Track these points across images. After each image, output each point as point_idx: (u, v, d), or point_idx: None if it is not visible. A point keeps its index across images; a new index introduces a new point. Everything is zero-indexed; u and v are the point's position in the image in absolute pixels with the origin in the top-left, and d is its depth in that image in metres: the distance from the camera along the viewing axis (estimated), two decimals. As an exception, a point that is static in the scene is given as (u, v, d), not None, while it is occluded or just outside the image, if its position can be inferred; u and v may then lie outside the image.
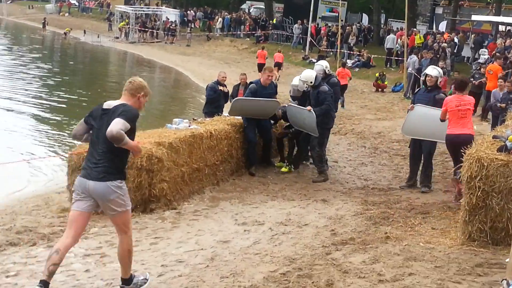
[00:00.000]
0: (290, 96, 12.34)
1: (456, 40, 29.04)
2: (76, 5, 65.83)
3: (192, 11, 50.40)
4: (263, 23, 42.07)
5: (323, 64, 12.01)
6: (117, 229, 5.56)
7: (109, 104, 5.51)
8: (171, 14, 49.04)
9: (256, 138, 11.21)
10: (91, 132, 5.48)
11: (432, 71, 10.05)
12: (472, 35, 30.56)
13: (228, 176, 10.64)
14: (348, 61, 30.91)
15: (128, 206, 5.43)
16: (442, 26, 39.80)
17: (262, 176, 10.93)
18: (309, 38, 33.97)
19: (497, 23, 32.80)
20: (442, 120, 9.12)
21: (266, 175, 11.03)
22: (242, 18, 44.65)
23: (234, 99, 11.61)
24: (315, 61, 30.20)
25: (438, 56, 23.74)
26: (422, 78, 16.54)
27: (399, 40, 29.84)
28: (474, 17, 34.49)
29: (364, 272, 5.82)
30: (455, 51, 27.81)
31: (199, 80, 28.67)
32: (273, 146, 11.86)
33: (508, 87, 14.05)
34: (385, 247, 6.59)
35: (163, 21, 47.73)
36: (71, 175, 8.92)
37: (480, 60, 22.54)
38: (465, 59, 29.97)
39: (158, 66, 36.21)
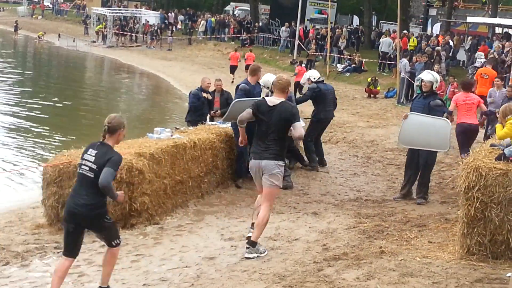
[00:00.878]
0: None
1: (451, 43, 29.29)
2: (50, 7, 65.61)
3: (173, 14, 50.44)
4: (248, 25, 42.18)
5: (308, 74, 13.06)
6: (264, 199, 7.26)
7: (271, 100, 7.29)
8: (151, 17, 49.00)
9: (247, 149, 11.08)
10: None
11: (427, 76, 10.11)
12: (468, 38, 30.80)
13: (213, 188, 10.63)
14: (338, 65, 31.06)
15: (280, 185, 7.44)
16: (436, 29, 40.10)
17: (249, 188, 10.92)
18: (297, 42, 34.09)
19: (494, 25, 33.12)
20: (450, 112, 10.54)
21: (253, 187, 11.00)
22: (226, 21, 44.75)
23: (233, 101, 11.29)
24: (304, 65, 30.43)
25: (432, 60, 23.92)
26: (416, 84, 16.70)
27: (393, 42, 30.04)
28: (470, 19, 34.78)
29: (358, 289, 5.84)
30: (450, 54, 28.04)
31: (182, 86, 28.67)
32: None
33: (508, 92, 14.19)
34: (380, 262, 6.61)
35: (143, 24, 47.69)
36: (46, 189, 8.89)
37: (477, 64, 22.74)
38: (461, 62, 30.23)
39: (138, 72, 36.18)
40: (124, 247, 7.73)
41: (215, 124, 11.63)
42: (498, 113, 13.37)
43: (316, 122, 12.64)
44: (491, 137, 9.42)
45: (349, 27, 41.23)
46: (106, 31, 46.68)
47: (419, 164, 10.07)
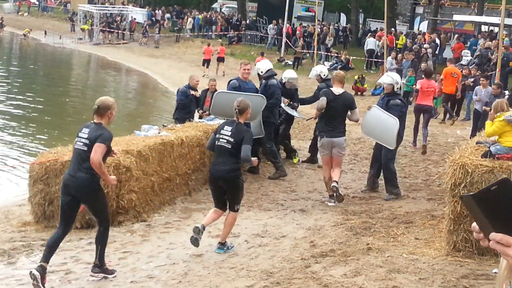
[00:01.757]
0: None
1: (437, 41, 29.43)
2: (36, 4, 65.16)
3: (160, 11, 50.28)
4: (236, 23, 42.13)
5: (318, 69, 12.81)
6: (335, 165, 9.62)
7: (336, 91, 9.60)
8: (138, 14, 48.83)
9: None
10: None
11: (386, 79, 10.55)
12: (455, 36, 30.96)
13: (200, 185, 10.62)
14: (326, 63, 31.10)
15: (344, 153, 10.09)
16: (423, 27, 40.27)
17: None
18: (284, 39, 34.11)
19: (480, 23, 33.31)
20: (417, 91, 13.65)
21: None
22: (213, 18, 44.66)
23: (216, 93, 11.36)
24: (291, 63, 30.48)
25: (419, 57, 24.03)
26: (402, 81, 16.84)
27: (377, 41, 30.13)
28: (456, 17, 34.97)
29: (346, 286, 5.86)
30: (436, 52, 28.17)
31: (169, 84, 28.60)
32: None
33: (494, 90, 14.29)
34: (367, 259, 6.64)
35: (130, 21, 47.49)
36: (32, 186, 8.84)
37: (463, 62, 22.86)
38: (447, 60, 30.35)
39: (125, 69, 36.04)
40: (111, 244, 7.71)
41: (203, 121, 11.62)
42: (485, 111, 13.53)
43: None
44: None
45: (336, 25, 41.27)
46: (93, 28, 46.44)
47: (382, 160, 10.30)
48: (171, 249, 7.55)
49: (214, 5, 56.98)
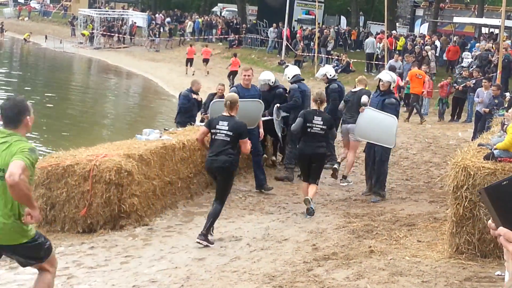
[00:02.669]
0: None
1: (437, 43, 29.43)
2: (36, 8, 65.23)
3: (161, 15, 50.33)
4: (236, 26, 42.14)
5: (325, 69, 12.93)
6: (351, 149, 11.20)
7: (355, 88, 11.54)
8: (138, 18, 48.88)
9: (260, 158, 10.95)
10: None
11: (385, 76, 10.52)
12: (454, 38, 30.97)
13: (202, 189, 10.61)
14: (326, 66, 31.08)
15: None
16: (423, 29, 40.27)
17: (238, 188, 10.92)
18: (284, 42, 34.12)
19: (480, 25, 33.32)
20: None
21: (242, 188, 11.02)
22: (214, 22, 44.68)
23: (212, 102, 11.37)
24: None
25: (419, 59, 24.04)
26: (402, 83, 16.83)
27: (379, 43, 30.14)
28: (456, 19, 34.99)
29: (348, 289, 5.85)
30: (436, 54, 28.18)
31: (170, 87, 28.61)
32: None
33: (493, 91, 14.29)
34: (369, 262, 6.62)
35: (130, 25, 47.55)
36: (34, 191, 8.81)
37: (464, 64, 22.86)
38: (447, 62, 30.35)
39: (126, 73, 36.06)
40: (113, 249, 7.71)
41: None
42: (485, 112, 13.51)
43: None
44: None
45: (335, 27, 41.30)
46: (93, 32, 46.48)
47: (376, 159, 10.31)
48: (173, 253, 7.54)
49: (214, 9, 57.03)
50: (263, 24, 40.72)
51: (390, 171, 11.64)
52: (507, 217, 1.74)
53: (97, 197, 8.42)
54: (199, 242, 7.70)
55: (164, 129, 11.42)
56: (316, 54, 29.76)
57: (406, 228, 8.18)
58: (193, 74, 29.60)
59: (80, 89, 30.33)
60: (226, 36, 41.62)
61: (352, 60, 29.96)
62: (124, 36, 46.50)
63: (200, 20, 45.28)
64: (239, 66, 27.79)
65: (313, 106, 9.65)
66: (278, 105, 11.43)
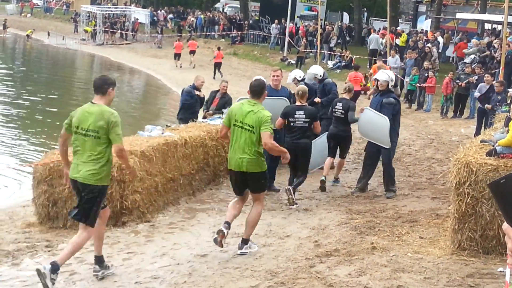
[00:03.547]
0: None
1: (440, 39, 29.36)
2: (39, 5, 65.26)
3: (163, 11, 50.30)
4: (239, 22, 42.09)
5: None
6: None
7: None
8: (140, 14, 48.87)
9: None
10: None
11: (382, 76, 10.45)
12: (458, 34, 30.94)
13: (204, 185, 10.61)
14: (329, 62, 31.07)
15: None
16: (426, 25, 40.20)
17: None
18: (287, 39, 34.08)
19: (483, 21, 33.25)
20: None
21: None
22: (216, 18, 44.64)
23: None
24: (294, 62, 30.46)
25: (422, 56, 24.01)
26: (406, 80, 16.81)
27: (381, 39, 30.07)
28: (459, 15, 34.92)
29: (350, 285, 5.84)
30: (439, 50, 28.11)
31: (172, 84, 28.61)
32: None
33: (497, 88, 14.27)
34: (371, 258, 6.62)
35: (132, 21, 47.53)
36: (36, 187, 8.84)
37: (466, 60, 22.82)
38: (450, 59, 30.33)
39: (128, 69, 36.06)
40: (115, 245, 7.72)
41: (206, 121, 11.61)
42: (488, 109, 13.49)
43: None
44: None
45: (339, 23, 41.25)
46: (96, 29, 46.50)
47: (382, 160, 10.41)
48: (175, 250, 7.54)
49: (217, 5, 57.01)
50: (266, 21, 40.70)
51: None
52: (508, 213, 1.75)
53: (100, 194, 8.42)
54: (288, 192, 9.37)
55: (166, 125, 11.43)
56: (318, 51, 29.71)
57: (409, 225, 8.17)
58: (180, 67, 32.91)
59: (83, 86, 30.30)
60: (228, 33, 41.58)
61: (354, 56, 29.91)
62: (127, 32, 46.50)
63: (202, 16, 45.25)
64: (222, 58, 30.56)
65: (297, 101, 9.96)
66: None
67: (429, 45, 26.00)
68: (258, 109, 7.12)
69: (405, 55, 24.63)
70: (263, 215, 9.01)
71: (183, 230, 8.47)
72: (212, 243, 7.49)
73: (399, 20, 41.39)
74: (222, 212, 9.37)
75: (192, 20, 44.77)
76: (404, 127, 15.87)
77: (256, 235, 7.93)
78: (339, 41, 36.89)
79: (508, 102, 13.27)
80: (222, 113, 11.91)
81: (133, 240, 7.96)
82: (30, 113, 21.04)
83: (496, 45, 22.67)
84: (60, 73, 33.73)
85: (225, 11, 51.94)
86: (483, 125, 14.30)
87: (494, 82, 15.17)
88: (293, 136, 9.74)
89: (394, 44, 28.95)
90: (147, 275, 6.67)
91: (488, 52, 22.73)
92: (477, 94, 15.66)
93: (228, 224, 7.16)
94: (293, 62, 31.15)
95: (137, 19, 47.52)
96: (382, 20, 41.34)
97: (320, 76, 12.32)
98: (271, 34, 38.06)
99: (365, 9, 49.88)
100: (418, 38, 28.11)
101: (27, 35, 48.49)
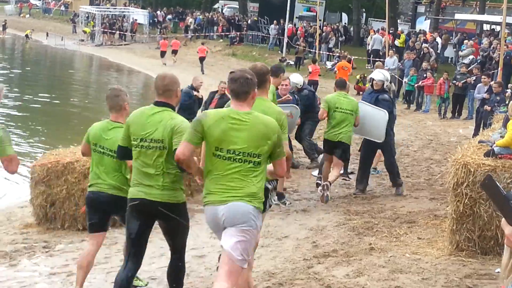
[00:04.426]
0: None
1: (438, 40, 29.38)
2: (37, 6, 65.28)
3: (162, 12, 50.30)
4: (238, 23, 42.09)
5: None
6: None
7: None
8: (139, 15, 48.88)
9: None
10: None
11: (378, 75, 10.47)
12: (457, 35, 30.97)
13: (202, 186, 10.56)
14: (327, 62, 31.08)
15: None
16: (425, 25, 40.22)
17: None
18: (286, 39, 34.09)
19: (482, 22, 33.26)
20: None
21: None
22: (215, 19, 44.64)
23: None
24: (292, 63, 30.47)
25: (420, 56, 24.02)
26: (404, 80, 16.82)
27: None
28: (458, 16, 34.93)
29: (348, 286, 5.84)
30: (438, 51, 28.13)
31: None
32: None
33: (495, 88, 14.28)
34: (369, 259, 6.62)
35: (131, 22, 47.53)
36: (34, 188, 8.83)
37: (465, 61, 22.83)
38: (449, 59, 30.35)
39: (126, 70, 36.05)
40: (113, 246, 7.71)
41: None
42: (486, 110, 13.48)
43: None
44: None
45: (336, 24, 41.26)
46: (94, 29, 46.50)
47: (385, 160, 10.52)
48: (173, 250, 7.52)
49: (216, 6, 57.01)
50: (264, 21, 40.70)
51: (390, 168, 11.64)
52: (500, 210, 1.78)
53: (97, 194, 8.40)
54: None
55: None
56: (317, 51, 29.71)
57: (407, 225, 8.17)
58: (165, 64, 33.88)
59: (81, 86, 30.32)
60: (227, 33, 41.58)
61: (353, 57, 29.90)
62: (125, 33, 46.49)
63: (201, 17, 45.26)
64: (206, 52, 32.87)
65: None
66: None
67: (426, 45, 26.02)
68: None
69: (404, 55, 24.63)
70: (261, 216, 9.01)
71: (181, 230, 8.44)
72: (210, 243, 7.49)
73: (398, 20, 41.40)
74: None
75: (190, 22, 44.70)
76: (402, 127, 15.87)
77: (254, 236, 7.92)
78: (339, 40, 36.91)
79: (507, 102, 13.28)
80: None
81: (131, 241, 7.94)
82: (28, 114, 21.01)
83: (494, 45, 22.70)
84: (59, 74, 33.73)
85: (223, 11, 51.93)
86: (481, 125, 14.30)
87: (492, 83, 15.18)
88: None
89: (392, 45, 28.99)
90: (144, 275, 6.65)
91: (484, 53, 22.76)
92: (478, 95, 15.67)
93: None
94: (292, 62, 31.16)
95: (136, 19, 47.52)
96: (381, 21, 41.34)
97: (300, 86, 12.13)
98: (269, 34, 38.06)
99: (364, 9, 49.85)
100: (416, 39, 28.14)
101: (26, 36, 48.49)
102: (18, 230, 8.68)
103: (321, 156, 11.33)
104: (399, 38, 30.74)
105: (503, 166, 6.59)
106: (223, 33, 42.20)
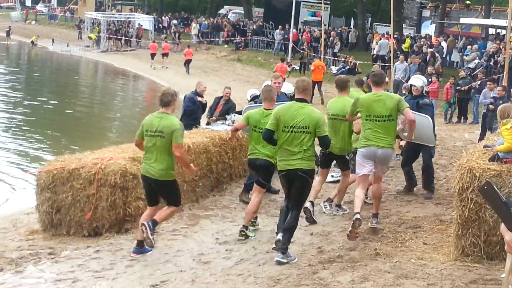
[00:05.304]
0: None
1: (443, 44, 29.36)
2: (43, 12, 65.54)
3: (167, 18, 50.41)
4: (243, 28, 42.14)
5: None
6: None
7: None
8: (144, 21, 49.00)
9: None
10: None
11: (417, 81, 10.41)
12: (462, 39, 30.93)
13: (207, 192, 10.61)
14: (332, 67, 31.09)
15: None
16: (430, 30, 40.19)
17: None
18: (291, 44, 34.12)
19: (487, 26, 33.21)
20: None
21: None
22: (220, 24, 44.71)
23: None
24: (297, 68, 30.48)
25: (426, 61, 24.00)
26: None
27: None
28: (463, 20, 34.89)
29: (353, 292, 5.83)
30: (443, 55, 28.12)
31: (176, 90, 28.60)
32: None
33: (499, 92, 14.26)
34: (374, 265, 6.60)
35: (137, 28, 47.67)
36: (40, 195, 8.87)
37: (471, 65, 22.81)
38: (454, 63, 30.32)
39: (132, 76, 36.14)
40: (118, 252, 7.72)
41: (209, 128, 11.61)
42: (491, 109, 13.44)
43: None
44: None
45: (339, 29, 41.28)
46: (100, 36, 46.65)
47: (424, 160, 10.38)
48: (178, 256, 7.54)
49: (221, 11, 57.11)
50: (269, 26, 40.75)
51: (395, 173, 11.64)
52: (499, 216, 1.79)
53: (103, 201, 8.44)
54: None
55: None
56: (322, 56, 29.73)
57: (412, 231, 8.15)
58: (154, 68, 35.42)
59: (86, 92, 30.42)
60: (232, 39, 41.63)
61: (358, 62, 29.93)
62: (131, 39, 46.62)
63: (206, 22, 45.34)
64: (192, 55, 33.86)
65: None
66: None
67: (431, 50, 25.99)
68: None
69: (409, 59, 24.60)
70: (266, 221, 9.03)
71: (186, 237, 8.47)
72: (215, 249, 7.49)
73: (403, 25, 41.38)
74: (225, 218, 9.38)
75: (194, 27, 44.78)
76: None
77: (259, 242, 7.94)
78: (345, 44, 36.94)
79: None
80: (226, 119, 11.92)
81: (136, 247, 7.95)
82: (34, 120, 21.09)
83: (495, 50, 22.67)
84: (64, 80, 33.83)
85: (229, 17, 52.02)
86: (487, 130, 14.28)
87: (496, 87, 15.20)
88: None
89: (396, 50, 28.97)
90: (150, 282, 6.67)
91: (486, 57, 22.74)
92: (485, 101, 15.65)
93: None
94: (297, 67, 31.17)
95: (141, 25, 47.64)
96: (386, 25, 41.32)
97: (292, 94, 11.89)
98: (275, 40, 38.10)
99: (369, 14, 49.87)
100: (422, 43, 28.13)
101: (32, 42, 48.67)
102: (24, 236, 8.71)
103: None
104: (404, 43, 30.70)
105: (508, 171, 6.57)
106: (228, 39, 42.25)
